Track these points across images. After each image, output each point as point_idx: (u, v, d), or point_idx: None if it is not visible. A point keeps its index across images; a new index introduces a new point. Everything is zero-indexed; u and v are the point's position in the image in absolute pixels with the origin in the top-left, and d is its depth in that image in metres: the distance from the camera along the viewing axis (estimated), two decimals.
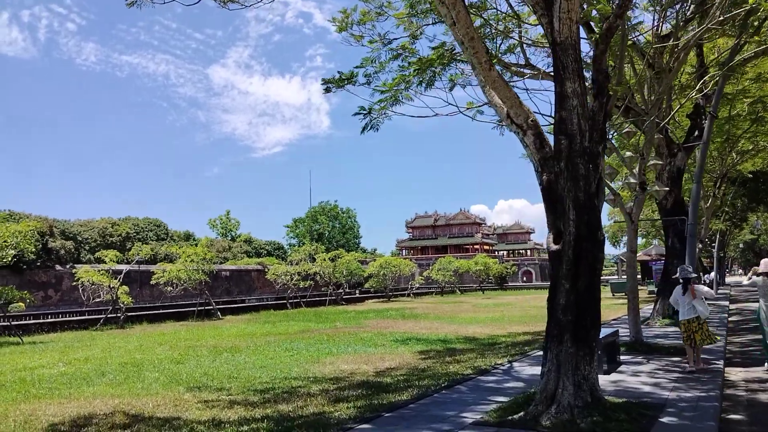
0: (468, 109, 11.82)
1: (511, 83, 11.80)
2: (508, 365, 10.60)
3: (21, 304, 46.56)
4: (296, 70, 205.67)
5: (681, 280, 10.39)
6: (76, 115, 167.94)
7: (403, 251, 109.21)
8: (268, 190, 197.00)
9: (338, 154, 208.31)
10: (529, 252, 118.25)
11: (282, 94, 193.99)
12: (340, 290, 45.36)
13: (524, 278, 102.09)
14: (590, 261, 6.27)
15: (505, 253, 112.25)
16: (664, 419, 6.45)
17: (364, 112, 10.88)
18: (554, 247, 6.37)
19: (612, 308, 28.14)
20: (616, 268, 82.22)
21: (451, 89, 12.34)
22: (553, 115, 6.57)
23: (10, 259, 20.90)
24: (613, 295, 43.19)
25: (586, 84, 6.68)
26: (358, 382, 10.07)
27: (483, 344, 15.45)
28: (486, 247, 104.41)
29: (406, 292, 54.58)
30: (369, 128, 11.10)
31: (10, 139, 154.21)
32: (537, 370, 9.76)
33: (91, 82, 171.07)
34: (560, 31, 6.29)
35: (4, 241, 20.75)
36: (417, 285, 55.78)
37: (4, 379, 11.35)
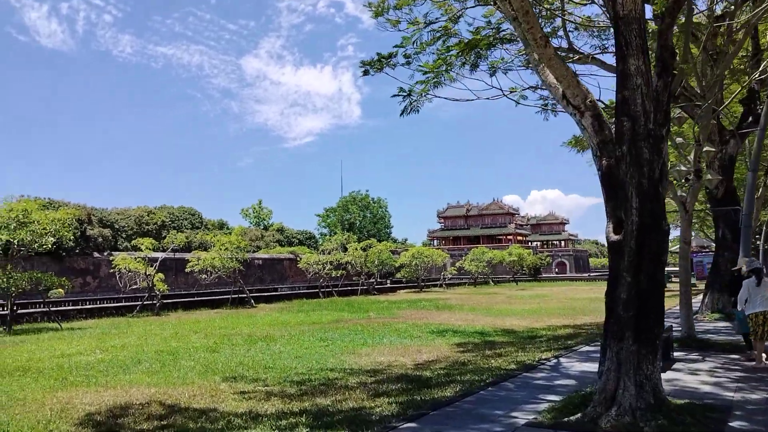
0: (512, 92, 11.32)
1: None
2: (555, 361, 10.14)
3: (60, 290, 47.71)
4: (328, 59, 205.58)
5: (749, 273, 9.75)
6: (113, 105, 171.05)
7: (435, 241, 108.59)
8: (299, 179, 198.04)
9: (369, 143, 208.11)
10: (563, 243, 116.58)
11: (313, 83, 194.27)
12: (372, 280, 45.16)
13: (557, 269, 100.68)
14: (654, 252, 5.79)
15: (538, 243, 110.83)
16: (734, 423, 5.96)
17: (404, 93, 10.48)
18: (614, 237, 5.91)
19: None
20: None
21: (492, 74, 11.83)
22: (610, 98, 6.07)
23: (50, 246, 21.12)
24: None
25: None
26: (397, 376, 9.75)
27: (522, 337, 14.98)
28: (519, 238, 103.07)
29: (438, 282, 54.12)
30: (409, 111, 10.70)
31: (51, 130, 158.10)
32: (587, 366, 9.33)
33: (128, 73, 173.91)
34: (623, 4, 5.80)
35: (44, 229, 20.98)
36: (449, 276, 55.28)
37: (43, 366, 11.36)
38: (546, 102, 12.63)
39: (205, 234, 39.04)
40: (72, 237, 21.97)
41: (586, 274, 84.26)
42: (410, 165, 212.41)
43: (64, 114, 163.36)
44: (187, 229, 70.66)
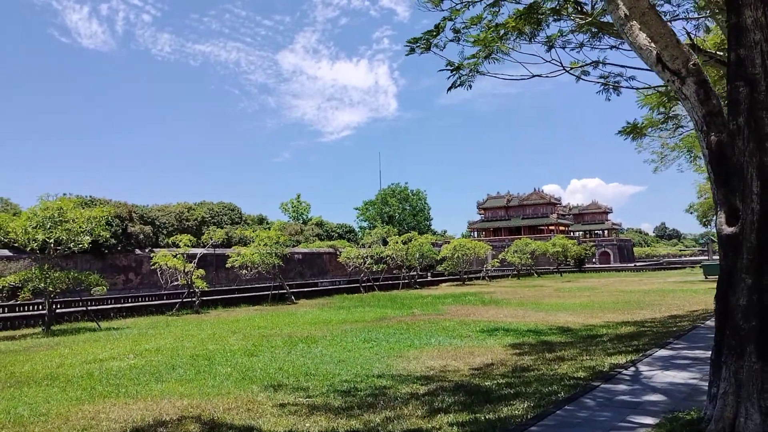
0: (573, 68, 10.18)
1: None
2: (633, 369, 9.00)
3: (104, 286, 48.30)
4: (363, 53, 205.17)
5: None
6: (152, 104, 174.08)
7: (475, 233, 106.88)
8: (337, 173, 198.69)
9: (407, 136, 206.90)
10: (606, 232, 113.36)
11: (349, 77, 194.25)
12: (414, 273, 44.20)
13: (601, 260, 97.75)
14: None
15: (581, 233, 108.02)
16: None
17: (452, 67, 9.47)
18: (729, 230, 4.81)
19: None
20: (706, 249, 77.37)
21: (549, 49, 10.69)
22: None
23: (86, 245, 20.83)
24: (706, 278, 40.15)
25: None
26: (453, 384, 8.79)
27: (582, 337, 13.82)
28: (561, 228, 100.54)
29: (480, 274, 52.85)
30: (458, 85, 9.69)
31: (94, 130, 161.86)
32: (672, 376, 8.17)
33: (167, 72, 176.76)
34: None
35: (80, 227, 20.70)
36: (492, 268, 53.92)
37: (73, 373, 10.79)
38: (608, 79, 11.41)
39: (245, 229, 38.66)
40: (108, 235, 21.61)
41: (632, 264, 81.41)
42: (448, 156, 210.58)
43: (106, 114, 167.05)
44: (227, 224, 70.93)
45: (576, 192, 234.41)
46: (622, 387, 7.57)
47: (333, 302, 28.91)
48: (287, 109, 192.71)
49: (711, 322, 15.05)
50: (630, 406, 6.56)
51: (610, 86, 11.46)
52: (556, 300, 25.81)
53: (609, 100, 11.66)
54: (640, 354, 10.49)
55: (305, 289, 36.01)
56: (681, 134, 19.76)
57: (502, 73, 10.52)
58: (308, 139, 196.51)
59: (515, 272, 55.62)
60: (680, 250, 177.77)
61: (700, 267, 50.26)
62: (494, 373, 9.57)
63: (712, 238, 67.12)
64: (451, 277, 50.02)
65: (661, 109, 15.58)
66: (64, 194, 54.10)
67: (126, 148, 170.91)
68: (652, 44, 5.19)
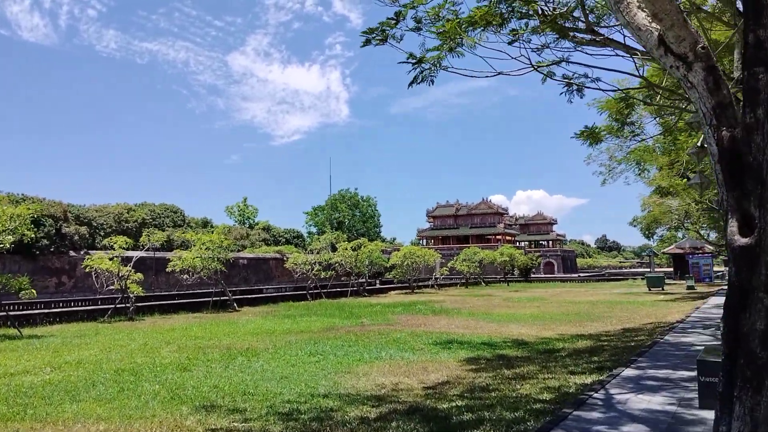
0: (539, 66, 9.52)
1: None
2: (603, 391, 8.33)
3: (33, 290, 45.29)
4: (315, 58, 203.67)
5: None
6: (96, 101, 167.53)
7: (424, 241, 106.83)
8: (287, 177, 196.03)
9: (358, 142, 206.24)
10: (551, 243, 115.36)
11: (301, 82, 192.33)
12: (362, 281, 43.24)
13: (545, 270, 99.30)
14: None
15: (526, 243, 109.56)
16: None
17: (414, 60, 8.66)
18: (741, 240, 4.12)
19: (669, 306, 25.69)
20: (648, 261, 79.44)
21: (512, 42, 10.02)
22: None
23: (8, 245, 19.00)
24: (650, 289, 40.90)
25: None
26: (406, 407, 7.92)
27: (538, 351, 13.21)
28: (508, 238, 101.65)
29: (429, 283, 52.38)
30: (419, 81, 8.89)
31: (30, 125, 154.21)
32: (649, 401, 7.45)
33: (112, 69, 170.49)
34: None
35: (1, 226, 18.89)
36: (441, 276, 53.55)
37: None
38: (571, 80, 10.84)
39: (187, 232, 36.90)
40: (32, 234, 19.81)
41: (576, 275, 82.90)
42: (399, 164, 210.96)
43: (46, 110, 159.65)
44: (169, 227, 68.23)
45: (521, 203, 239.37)
46: (596, 415, 6.86)
47: (278, 310, 27.67)
48: (237, 111, 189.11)
49: (670, 337, 14.74)
50: None
51: (574, 87, 10.91)
52: (506, 310, 25.39)
53: (571, 102, 11.12)
54: (606, 374, 9.89)
55: (249, 296, 34.52)
56: (636, 142, 19.62)
57: (465, 69, 9.77)
58: (258, 142, 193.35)
59: (464, 281, 55.42)
60: (620, 262, 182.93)
61: (643, 279, 51.31)
62: (451, 394, 8.75)
63: (654, 251, 68.91)
64: (400, 285, 49.33)
65: (617, 117, 15.30)
66: None
67: (66, 147, 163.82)
68: (653, 24, 4.50)
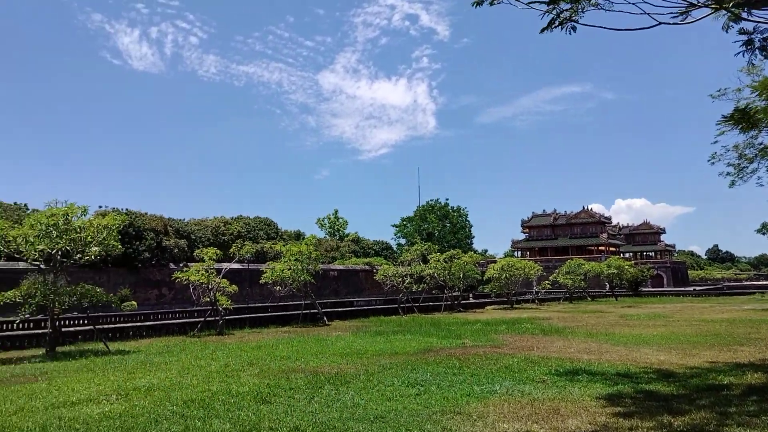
0: (724, 6, 7.08)
1: None
2: None
3: (133, 302, 46.33)
4: (402, 72, 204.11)
5: None
6: (198, 124, 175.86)
7: (518, 252, 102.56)
8: (375, 190, 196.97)
9: (445, 154, 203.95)
10: (658, 254, 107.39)
11: (388, 96, 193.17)
12: (457, 294, 40.79)
13: (653, 283, 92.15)
14: None
15: (631, 255, 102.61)
16: None
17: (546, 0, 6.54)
18: None
19: None
20: None
21: None
22: None
23: (93, 256, 18.39)
24: None
25: None
26: None
27: (696, 387, 10.41)
28: (611, 249, 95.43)
29: (528, 297, 49.05)
30: (555, 26, 6.75)
31: (141, 146, 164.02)
32: None
33: (212, 92, 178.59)
34: None
35: (89, 237, 18.31)
36: (543, 290, 50.07)
37: (23, 426, 8.02)
38: (752, 35, 8.20)
39: (274, 244, 36.13)
40: (119, 245, 19.13)
41: (691, 289, 75.78)
42: (489, 174, 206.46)
43: (153, 133, 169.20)
44: (263, 239, 68.96)
45: (621, 212, 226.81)
46: None
47: (369, 325, 25.89)
48: (327, 128, 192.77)
49: None
50: None
51: (757, 44, 8.26)
52: (628, 330, 22.19)
53: (753, 64, 8.48)
54: None
55: (339, 309, 33.14)
56: None
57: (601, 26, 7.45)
58: (347, 157, 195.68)
59: (567, 295, 51.53)
60: (735, 274, 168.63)
61: None
62: None
63: None
64: (497, 299, 46.43)
65: None
66: (100, 207, 52.84)
67: (170, 165, 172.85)
68: None
